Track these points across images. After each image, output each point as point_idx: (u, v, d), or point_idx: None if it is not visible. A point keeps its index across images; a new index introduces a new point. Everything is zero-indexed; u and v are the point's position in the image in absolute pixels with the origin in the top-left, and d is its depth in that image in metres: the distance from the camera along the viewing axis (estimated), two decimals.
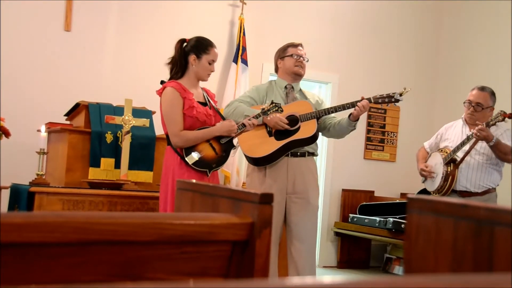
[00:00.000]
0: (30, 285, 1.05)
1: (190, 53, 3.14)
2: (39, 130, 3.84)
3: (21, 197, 3.46)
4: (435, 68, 6.62)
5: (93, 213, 1.14)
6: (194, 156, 3.06)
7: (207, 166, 3.10)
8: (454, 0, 6.49)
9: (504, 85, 5.83)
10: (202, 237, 1.17)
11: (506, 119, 3.47)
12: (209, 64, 3.16)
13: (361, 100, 3.42)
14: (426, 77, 6.60)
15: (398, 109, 6.48)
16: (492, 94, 3.73)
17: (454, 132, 3.79)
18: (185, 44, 3.18)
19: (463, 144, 3.60)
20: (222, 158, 3.15)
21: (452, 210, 0.88)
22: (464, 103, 3.76)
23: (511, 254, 0.78)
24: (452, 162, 3.65)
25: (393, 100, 3.43)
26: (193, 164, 3.05)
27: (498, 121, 3.46)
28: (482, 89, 3.73)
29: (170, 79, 3.18)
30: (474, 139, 3.55)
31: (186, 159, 3.04)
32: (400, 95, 3.42)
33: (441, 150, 3.78)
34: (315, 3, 5.98)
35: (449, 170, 3.64)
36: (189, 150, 3.07)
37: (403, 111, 6.50)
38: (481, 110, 3.66)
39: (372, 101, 3.44)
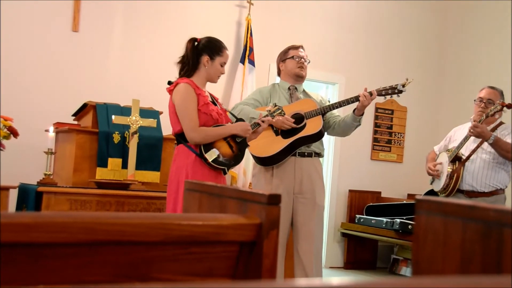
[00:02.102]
0: (38, 286, 1.05)
1: (203, 54, 3.07)
2: (47, 130, 3.86)
3: (29, 197, 3.48)
4: (441, 68, 6.59)
5: (101, 214, 1.14)
6: (213, 153, 2.98)
7: (226, 164, 3.05)
8: (459, 0, 6.46)
9: (510, 84, 5.80)
10: (209, 238, 1.17)
11: (505, 108, 3.47)
12: (221, 66, 3.13)
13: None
14: (432, 77, 6.58)
15: (405, 109, 6.46)
16: (502, 94, 3.74)
17: (462, 133, 3.78)
18: (196, 43, 3.12)
19: (465, 139, 3.60)
20: (239, 156, 3.12)
21: (461, 211, 0.87)
22: (474, 100, 3.75)
23: None
24: (457, 160, 3.65)
25: (396, 91, 3.44)
26: (212, 161, 2.98)
27: (497, 110, 3.47)
28: (492, 87, 3.76)
29: (179, 78, 3.12)
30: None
31: (205, 155, 2.96)
32: (403, 86, 3.42)
33: (448, 151, 3.78)
34: (321, 3, 5.98)
35: (454, 168, 3.63)
36: (208, 147, 3.00)
37: (410, 112, 6.48)
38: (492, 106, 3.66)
39: (376, 93, 3.44)
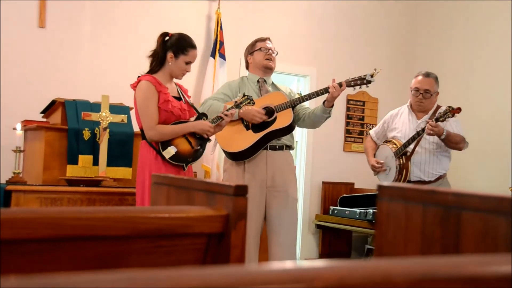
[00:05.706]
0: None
1: (168, 50, 3.11)
2: (14, 128, 3.79)
3: None
4: (412, 59, 6.68)
5: (65, 208, 1.13)
6: (171, 150, 3.03)
7: (184, 160, 3.08)
8: None
9: (478, 79, 5.91)
10: (177, 230, 1.17)
11: (456, 114, 3.48)
12: (186, 64, 3.13)
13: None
14: (403, 68, 6.65)
15: (376, 101, 6.53)
16: (436, 79, 3.71)
17: (401, 120, 3.77)
18: (167, 38, 3.14)
19: (413, 139, 3.59)
20: (198, 152, 3.14)
21: (421, 196, 0.89)
22: (411, 90, 3.73)
23: (477, 237, 0.80)
24: (403, 155, 3.66)
25: (365, 81, 3.46)
26: (170, 158, 3.03)
27: (448, 117, 3.47)
28: (427, 75, 3.70)
29: (148, 72, 3.15)
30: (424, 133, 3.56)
31: (162, 153, 3.02)
32: (372, 76, 3.46)
33: (389, 141, 3.76)
34: None
35: (402, 163, 3.64)
36: (165, 144, 3.05)
37: (382, 103, 6.55)
38: (429, 96, 3.67)
39: (345, 84, 3.46)
